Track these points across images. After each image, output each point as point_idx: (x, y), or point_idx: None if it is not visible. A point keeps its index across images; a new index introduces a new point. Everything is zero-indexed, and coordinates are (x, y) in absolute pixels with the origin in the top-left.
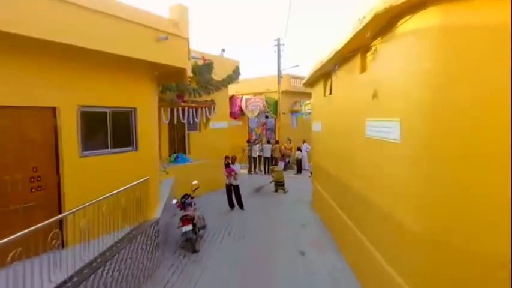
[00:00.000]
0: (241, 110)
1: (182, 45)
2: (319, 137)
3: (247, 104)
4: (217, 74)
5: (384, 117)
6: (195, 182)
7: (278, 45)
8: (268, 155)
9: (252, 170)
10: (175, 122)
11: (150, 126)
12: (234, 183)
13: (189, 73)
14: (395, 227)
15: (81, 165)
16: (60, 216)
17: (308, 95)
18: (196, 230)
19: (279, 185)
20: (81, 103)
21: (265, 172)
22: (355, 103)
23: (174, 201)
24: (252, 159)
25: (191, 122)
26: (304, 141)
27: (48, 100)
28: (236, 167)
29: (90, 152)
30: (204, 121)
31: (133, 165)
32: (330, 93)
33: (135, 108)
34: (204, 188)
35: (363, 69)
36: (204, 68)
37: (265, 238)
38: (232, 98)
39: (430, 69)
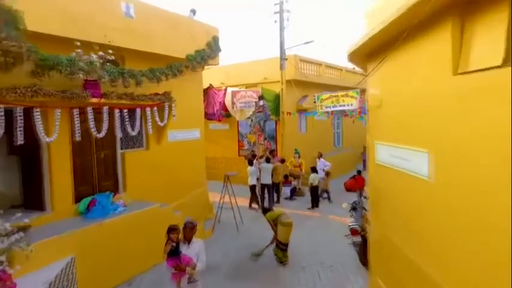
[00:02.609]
0: (224, 108)
1: None
2: (415, 186)
3: (235, 100)
4: (181, 48)
5: None
6: None
7: (280, 11)
8: (268, 181)
9: (257, 204)
10: (78, 138)
11: None
12: None
13: None
14: None
15: None
16: None
17: (324, 87)
18: None
19: (285, 249)
20: None
21: (264, 210)
22: None
23: None
24: (250, 189)
25: (121, 135)
26: (319, 156)
27: None
28: (196, 245)
29: None
30: (149, 132)
31: None
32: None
33: None
34: (155, 260)
35: None
36: None
37: None
38: (208, 91)
39: None
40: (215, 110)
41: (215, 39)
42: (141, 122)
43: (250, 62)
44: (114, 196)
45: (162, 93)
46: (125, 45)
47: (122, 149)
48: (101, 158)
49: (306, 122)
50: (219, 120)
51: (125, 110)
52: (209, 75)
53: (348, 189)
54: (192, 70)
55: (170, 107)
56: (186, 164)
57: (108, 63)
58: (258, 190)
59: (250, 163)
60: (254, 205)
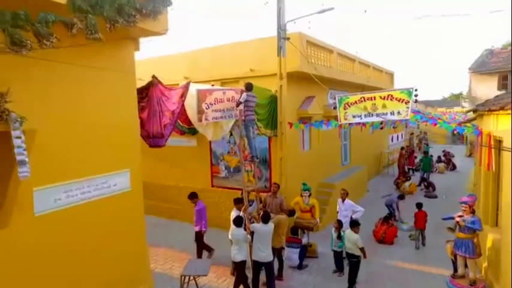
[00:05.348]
0: (185, 120)
1: None
2: None
3: (204, 105)
4: None
5: None
6: None
7: None
8: (267, 257)
9: None
10: None
11: None
12: None
13: None
14: None
15: None
16: None
17: (332, 84)
18: None
19: None
20: None
21: None
22: None
23: None
24: (235, 267)
25: None
26: (344, 195)
27: None
28: None
29: None
30: None
31: None
32: None
33: None
34: None
35: None
36: None
37: None
38: (151, 91)
39: None
40: (162, 127)
41: None
42: None
43: (230, 44)
44: None
45: None
46: None
47: None
48: None
49: (310, 136)
50: (182, 134)
51: None
52: (160, 65)
53: (381, 240)
54: (95, 39)
55: (7, 141)
56: (97, 253)
57: None
58: (248, 265)
59: (238, 223)
60: None
